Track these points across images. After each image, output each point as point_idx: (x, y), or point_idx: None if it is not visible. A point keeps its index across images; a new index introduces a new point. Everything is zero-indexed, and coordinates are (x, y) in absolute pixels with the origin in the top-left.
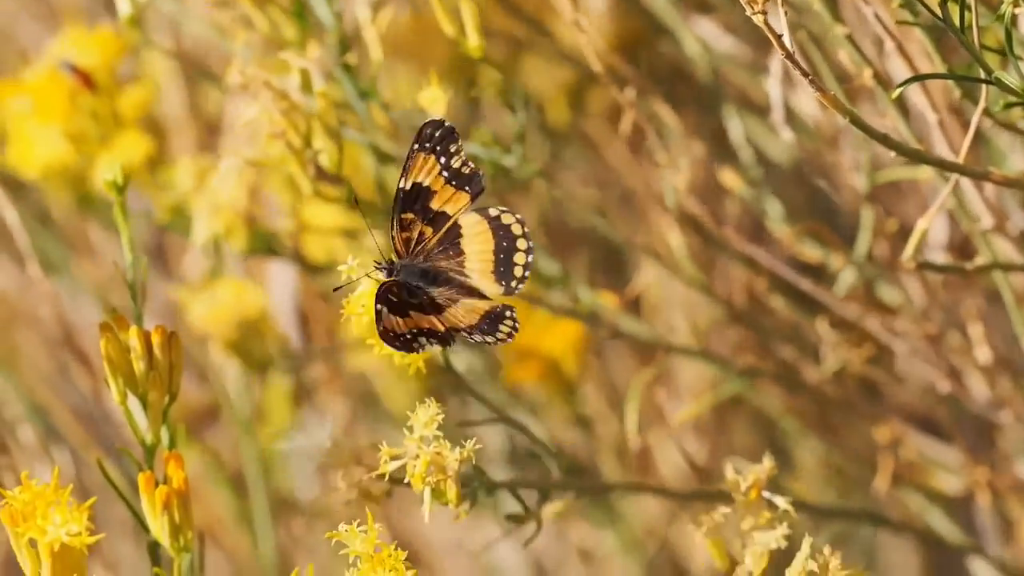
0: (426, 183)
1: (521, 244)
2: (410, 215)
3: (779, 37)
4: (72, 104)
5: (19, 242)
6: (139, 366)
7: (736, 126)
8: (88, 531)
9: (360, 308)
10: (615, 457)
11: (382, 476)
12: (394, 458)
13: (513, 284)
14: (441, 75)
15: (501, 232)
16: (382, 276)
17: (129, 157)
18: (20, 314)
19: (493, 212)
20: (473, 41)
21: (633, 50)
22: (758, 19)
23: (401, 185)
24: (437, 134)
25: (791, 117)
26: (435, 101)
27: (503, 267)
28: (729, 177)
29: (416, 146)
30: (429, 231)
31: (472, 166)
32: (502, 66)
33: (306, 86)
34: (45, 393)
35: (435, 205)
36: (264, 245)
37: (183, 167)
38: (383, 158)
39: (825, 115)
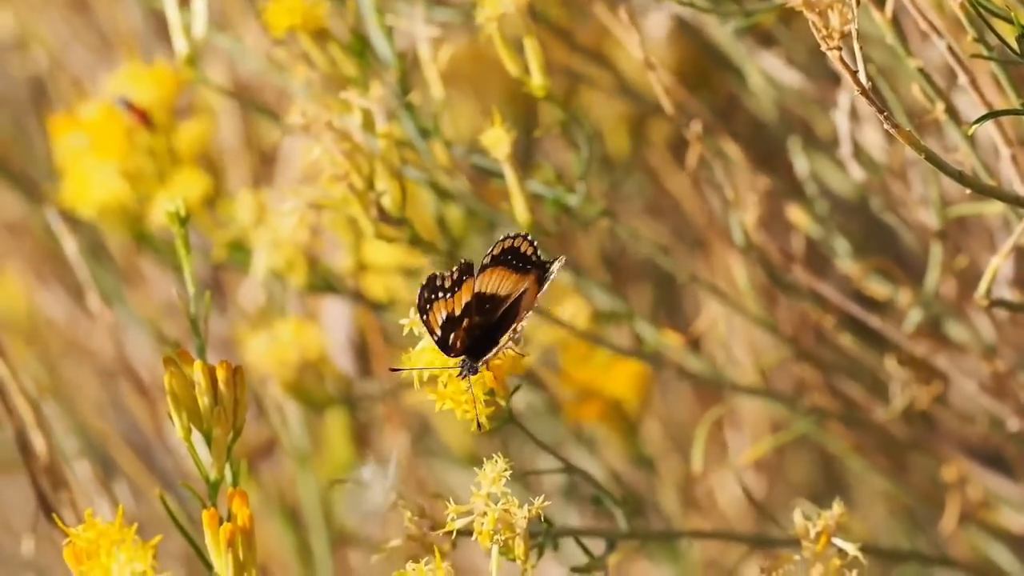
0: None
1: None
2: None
3: (854, 73)
4: (128, 141)
5: (78, 274)
6: (203, 401)
7: (801, 161)
8: (153, 569)
9: (421, 365)
10: (677, 494)
11: (449, 533)
12: (462, 515)
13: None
14: (503, 110)
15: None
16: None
17: (186, 195)
18: (75, 346)
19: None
20: (537, 80)
21: (696, 84)
22: (833, 55)
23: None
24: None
25: (857, 151)
26: (498, 141)
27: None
28: (796, 213)
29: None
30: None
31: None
32: (564, 102)
33: (368, 126)
34: (102, 426)
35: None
36: (323, 282)
37: (242, 201)
38: (445, 196)
39: (893, 149)
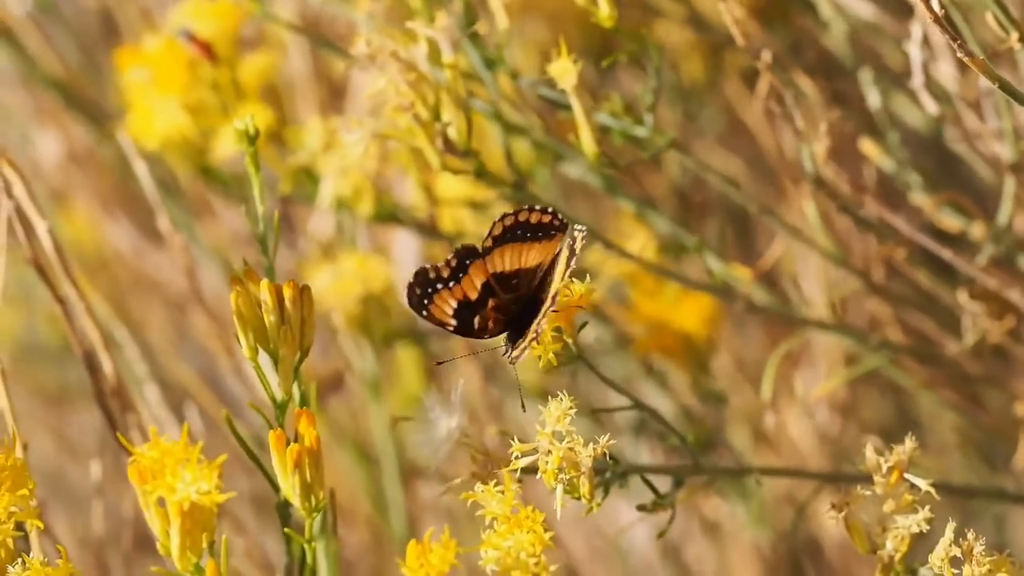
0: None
1: None
2: None
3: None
4: (192, 75)
5: (148, 197)
6: (270, 320)
7: (874, 93)
8: (218, 489)
9: None
10: (747, 430)
11: (514, 471)
12: (526, 454)
13: None
14: (574, 41)
15: None
16: None
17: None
18: (143, 279)
19: None
20: (604, 10)
21: (770, 17)
22: None
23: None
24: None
25: (930, 84)
26: (565, 71)
27: None
28: (868, 146)
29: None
30: None
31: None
32: (634, 33)
33: (434, 57)
34: (171, 355)
35: None
36: (390, 213)
37: (311, 129)
38: (510, 128)
39: (965, 81)
